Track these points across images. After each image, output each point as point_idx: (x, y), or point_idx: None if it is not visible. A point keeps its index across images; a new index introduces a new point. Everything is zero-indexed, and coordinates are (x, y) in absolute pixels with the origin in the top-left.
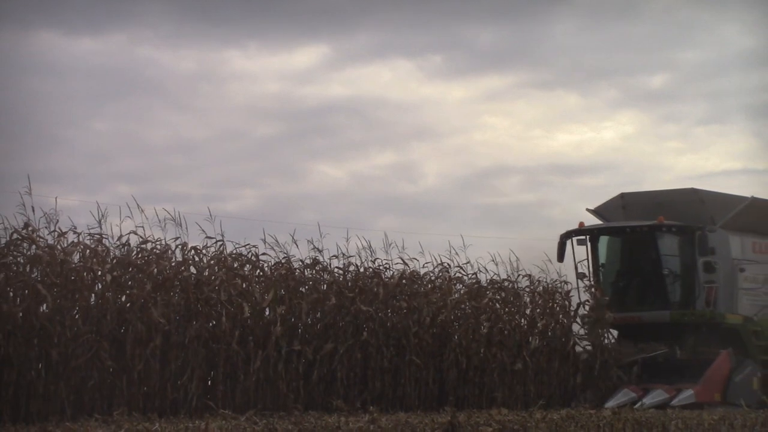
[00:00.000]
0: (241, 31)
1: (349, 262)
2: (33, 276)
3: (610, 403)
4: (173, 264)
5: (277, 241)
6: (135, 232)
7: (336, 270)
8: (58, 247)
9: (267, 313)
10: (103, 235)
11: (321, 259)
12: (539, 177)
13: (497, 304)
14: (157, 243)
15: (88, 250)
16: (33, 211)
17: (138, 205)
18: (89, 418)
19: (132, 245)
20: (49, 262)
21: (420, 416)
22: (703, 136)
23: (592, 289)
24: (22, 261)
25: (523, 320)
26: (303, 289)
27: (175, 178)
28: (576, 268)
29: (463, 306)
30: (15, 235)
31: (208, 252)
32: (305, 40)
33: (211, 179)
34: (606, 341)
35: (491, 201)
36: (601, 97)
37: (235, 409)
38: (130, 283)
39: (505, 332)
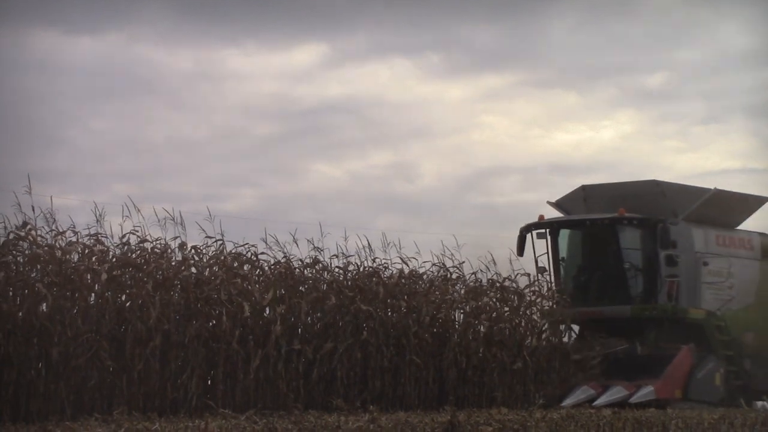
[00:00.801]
0: (239, 30)
1: (349, 261)
2: (33, 275)
3: (568, 401)
4: (173, 263)
5: (277, 240)
6: (134, 232)
7: (336, 269)
8: (58, 246)
9: (267, 312)
10: (103, 235)
11: (321, 259)
12: (538, 177)
13: (497, 303)
14: (157, 242)
15: (87, 250)
16: (33, 210)
17: (134, 204)
18: (89, 417)
19: (131, 244)
20: (48, 261)
21: (420, 416)
22: (703, 135)
23: (552, 284)
24: (21, 260)
25: (522, 321)
26: (303, 289)
27: (173, 177)
28: (536, 262)
29: (462, 305)
30: (12, 235)
31: (208, 251)
32: (303, 40)
33: (209, 178)
34: (565, 337)
35: (490, 201)
36: (600, 96)
37: (235, 408)
38: (129, 282)
39: (506, 332)
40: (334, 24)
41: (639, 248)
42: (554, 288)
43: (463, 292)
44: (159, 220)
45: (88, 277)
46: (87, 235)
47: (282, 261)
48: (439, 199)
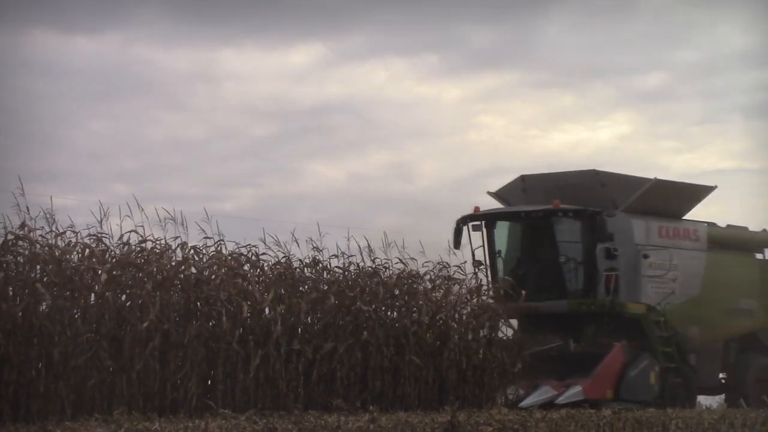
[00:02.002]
0: (237, 31)
1: (350, 261)
2: (32, 275)
3: (528, 401)
4: (173, 263)
5: (277, 240)
6: (135, 231)
7: (336, 269)
8: (58, 245)
9: (267, 312)
10: (103, 235)
11: (321, 259)
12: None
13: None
14: (157, 242)
15: (87, 250)
16: (28, 210)
17: (138, 204)
18: (89, 417)
19: (132, 244)
20: (48, 261)
21: (420, 416)
22: (700, 135)
23: (487, 278)
24: (21, 260)
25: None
26: (303, 289)
27: (171, 177)
28: (473, 255)
29: (462, 304)
30: (10, 235)
31: (208, 251)
32: (301, 40)
33: (207, 179)
34: (502, 334)
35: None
36: (597, 96)
37: (234, 408)
38: (129, 282)
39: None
40: (331, 24)
41: (576, 241)
42: (490, 282)
43: (465, 291)
44: (160, 220)
45: (88, 277)
46: (87, 235)
47: (282, 261)
48: (439, 199)
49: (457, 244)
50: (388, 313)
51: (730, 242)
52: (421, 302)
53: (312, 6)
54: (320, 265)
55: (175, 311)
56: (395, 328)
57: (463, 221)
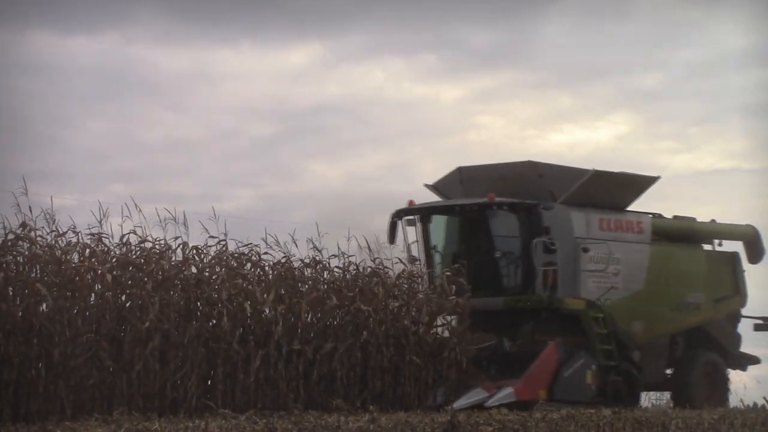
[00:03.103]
0: (235, 31)
1: (349, 261)
2: (32, 275)
3: (459, 403)
4: (173, 263)
5: (277, 240)
6: (134, 232)
7: (335, 269)
8: (58, 245)
9: (267, 312)
10: (104, 235)
11: (321, 259)
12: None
13: None
14: (157, 242)
15: (87, 250)
16: (30, 210)
17: (136, 204)
18: (89, 417)
19: (132, 244)
20: (48, 261)
21: (420, 416)
22: (698, 135)
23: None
24: (21, 260)
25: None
26: (303, 289)
27: (170, 177)
28: (408, 250)
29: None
30: (11, 235)
31: (209, 251)
32: (299, 40)
33: (206, 179)
34: (446, 332)
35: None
36: (595, 96)
37: (235, 408)
38: (130, 282)
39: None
40: (329, 25)
41: (512, 235)
42: (426, 278)
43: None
44: (161, 221)
45: (89, 278)
46: (88, 235)
47: (282, 261)
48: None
49: (391, 239)
50: (388, 313)
51: (676, 234)
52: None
53: (310, 6)
54: (320, 265)
55: (176, 311)
56: (395, 328)
57: (397, 215)
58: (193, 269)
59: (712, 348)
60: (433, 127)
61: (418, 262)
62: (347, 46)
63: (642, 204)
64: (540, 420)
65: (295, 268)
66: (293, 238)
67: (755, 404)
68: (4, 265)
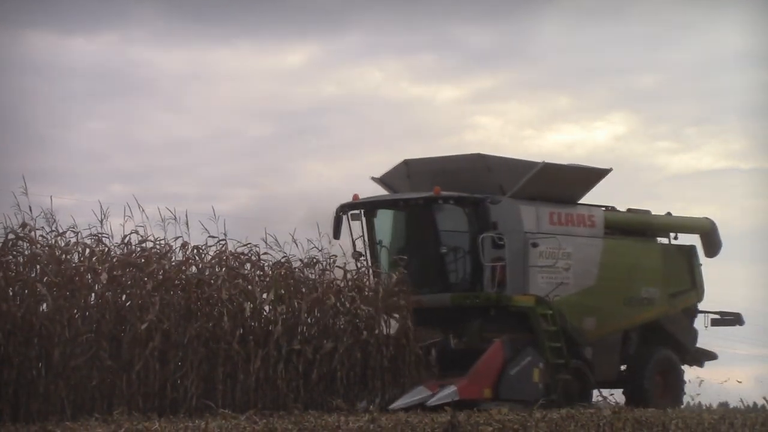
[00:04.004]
0: (233, 31)
1: (347, 261)
2: (32, 276)
3: (399, 403)
4: (174, 263)
5: (276, 240)
6: (136, 231)
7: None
8: (58, 245)
9: (267, 312)
10: (104, 235)
11: (320, 259)
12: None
13: None
14: (158, 242)
15: (87, 250)
16: (30, 210)
17: (138, 204)
18: (89, 417)
19: (132, 245)
20: (48, 261)
21: (420, 416)
22: (696, 136)
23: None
24: (21, 260)
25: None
26: (303, 289)
27: (168, 177)
28: (353, 245)
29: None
30: (11, 235)
31: (209, 251)
32: (296, 40)
33: (204, 179)
34: (390, 329)
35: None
36: (593, 97)
37: (235, 408)
38: (130, 282)
39: None
40: (326, 25)
41: (459, 230)
42: (371, 275)
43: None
44: (162, 221)
45: (89, 277)
46: (88, 235)
47: (282, 261)
48: None
49: (336, 234)
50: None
51: (630, 227)
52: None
53: (307, 6)
54: (320, 265)
55: (176, 311)
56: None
57: (342, 209)
58: (193, 269)
59: (667, 344)
60: (431, 128)
61: (363, 258)
62: (345, 46)
63: (638, 203)
64: (540, 420)
65: (295, 268)
66: (293, 238)
67: (755, 404)
68: (4, 265)
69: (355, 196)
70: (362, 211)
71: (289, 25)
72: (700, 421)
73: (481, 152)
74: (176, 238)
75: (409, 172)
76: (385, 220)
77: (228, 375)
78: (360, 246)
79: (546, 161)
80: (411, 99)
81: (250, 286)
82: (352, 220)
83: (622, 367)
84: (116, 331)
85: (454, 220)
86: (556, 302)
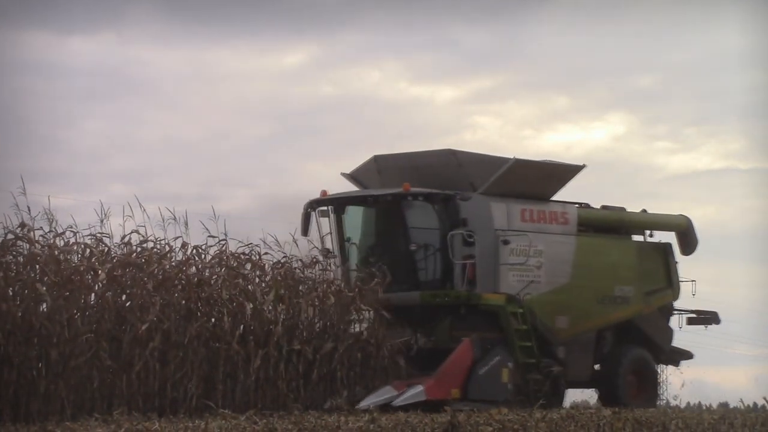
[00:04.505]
0: (231, 31)
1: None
2: (32, 275)
3: (365, 403)
4: (174, 263)
5: (276, 240)
6: (137, 231)
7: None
8: (57, 245)
9: (268, 312)
10: (105, 234)
11: (320, 259)
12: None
13: None
14: (158, 242)
15: (88, 250)
16: (29, 210)
17: (140, 203)
18: (89, 417)
19: (132, 245)
20: (48, 261)
21: (420, 416)
22: (694, 136)
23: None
24: (21, 260)
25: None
26: (303, 289)
27: (167, 177)
28: (322, 242)
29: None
30: (10, 235)
31: (209, 251)
32: (295, 40)
33: (203, 179)
34: (358, 327)
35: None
36: (591, 97)
37: (235, 408)
38: (130, 282)
39: None
40: (324, 25)
41: (429, 227)
42: (339, 272)
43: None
44: (163, 221)
45: (89, 277)
46: (88, 235)
47: (282, 261)
48: None
49: (304, 230)
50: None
51: (604, 225)
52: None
53: (306, 6)
54: (320, 265)
55: (176, 311)
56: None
57: (310, 206)
58: (193, 269)
59: (642, 343)
60: (430, 128)
61: (332, 255)
62: (343, 46)
63: (637, 203)
64: (540, 420)
65: (295, 268)
66: (294, 238)
67: (755, 404)
68: (4, 265)
69: (323, 193)
70: (330, 207)
71: (288, 25)
72: (700, 421)
73: (453, 148)
74: (176, 238)
75: (379, 167)
76: (354, 216)
77: (228, 375)
78: (329, 243)
79: (517, 157)
80: (410, 99)
81: (250, 286)
82: (321, 216)
83: (596, 367)
84: (116, 331)
85: (423, 217)
86: (527, 301)
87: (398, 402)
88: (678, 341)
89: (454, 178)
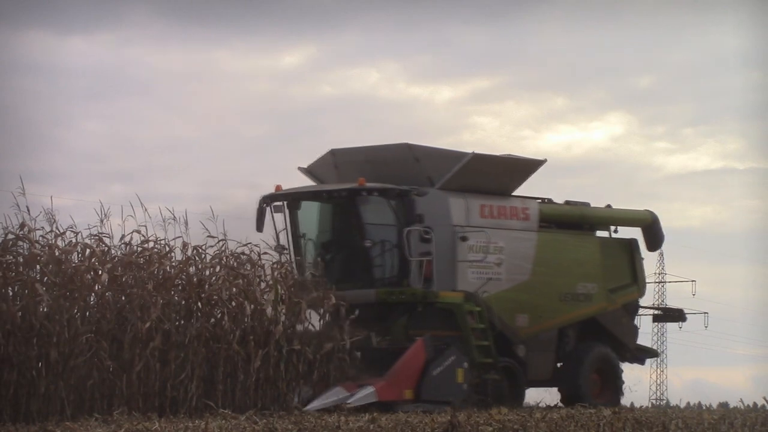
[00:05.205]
0: (230, 32)
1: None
2: (32, 275)
3: (315, 404)
4: (174, 263)
5: (277, 239)
6: (138, 231)
7: None
8: (58, 245)
9: (267, 312)
10: (105, 234)
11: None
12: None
13: None
14: (158, 242)
15: (88, 250)
16: (28, 210)
17: (142, 203)
18: (89, 417)
19: (133, 245)
20: (48, 261)
21: (420, 416)
22: (693, 136)
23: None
24: (21, 261)
25: None
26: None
27: (166, 177)
28: (277, 239)
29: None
30: (10, 235)
31: (209, 251)
32: (294, 41)
33: (202, 179)
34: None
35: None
36: (590, 97)
37: (235, 408)
38: (131, 282)
39: None
40: (323, 26)
41: (385, 223)
42: (294, 269)
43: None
44: (163, 220)
45: (89, 277)
46: (89, 235)
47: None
48: None
49: (259, 226)
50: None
51: (567, 220)
52: None
53: (304, 7)
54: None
55: (176, 311)
56: None
57: (264, 201)
58: (193, 269)
59: (605, 341)
60: (428, 128)
61: (286, 252)
62: (342, 47)
63: (636, 203)
64: (540, 420)
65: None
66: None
67: (755, 404)
68: (4, 265)
69: (278, 187)
70: (285, 203)
71: (287, 26)
72: (700, 421)
73: (410, 142)
74: (176, 238)
75: (336, 162)
76: (309, 212)
77: (228, 375)
78: (283, 239)
79: (475, 152)
80: (408, 99)
81: (250, 287)
82: (275, 212)
83: (559, 365)
84: (116, 331)
85: (379, 213)
86: (486, 298)
87: (349, 403)
88: (678, 341)
89: (411, 173)
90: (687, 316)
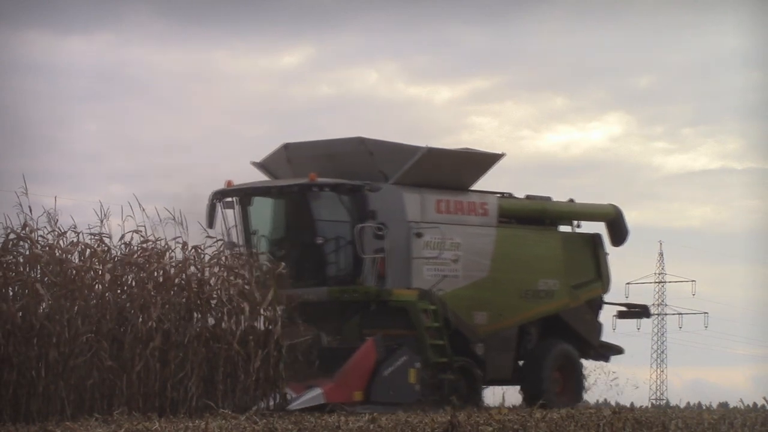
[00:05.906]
0: (229, 32)
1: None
2: (33, 276)
3: (295, 404)
4: (173, 263)
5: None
6: (137, 231)
7: None
8: (58, 246)
9: (268, 312)
10: (106, 234)
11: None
12: (528, 177)
13: None
14: (158, 242)
15: (88, 250)
16: (30, 210)
17: (140, 203)
18: (89, 417)
19: (133, 245)
20: (48, 261)
21: (420, 415)
22: (692, 136)
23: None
24: (21, 261)
25: None
26: None
27: (165, 177)
28: (227, 235)
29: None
30: (12, 235)
31: (207, 252)
32: (293, 41)
33: (201, 179)
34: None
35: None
36: (589, 97)
37: (235, 408)
38: (131, 282)
39: None
40: (322, 26)
41: (337, 219)
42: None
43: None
44: (161, 220)
45: (89, 278)
46: (90, 235)
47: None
48: None
49: (210, 222)
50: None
51: (528, 215)
52: None
53: (304, 7)
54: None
55: (176, 311)
56: None
57: (215, 197)
58: (192, 269)
59: (568, 338)
60: (427, 128)
61: (237, 248)
62: (341, 47)
63: (636, 203)
64: (540, 420)
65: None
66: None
67: (755, 404)
68: (4, 265)
69: (229, 183)
70: (236, 198)
71: (286, 26)
72: (700, 421)
73: (363, 136)
74: (175, 238)
75: (289, 156)
76: (261, 208)
77: (228, 375)
78: (234, 235)
79: (429, 146)
80: (407, 99)
81: (248, 286)
82: (225, 208)
83: (521, 363)
84: (117, 331)
85: (331, 209)
86: (442, 296)
87: (295, 405)
88: (677, 341)
89: (365, 168)
90: (651, 312)
